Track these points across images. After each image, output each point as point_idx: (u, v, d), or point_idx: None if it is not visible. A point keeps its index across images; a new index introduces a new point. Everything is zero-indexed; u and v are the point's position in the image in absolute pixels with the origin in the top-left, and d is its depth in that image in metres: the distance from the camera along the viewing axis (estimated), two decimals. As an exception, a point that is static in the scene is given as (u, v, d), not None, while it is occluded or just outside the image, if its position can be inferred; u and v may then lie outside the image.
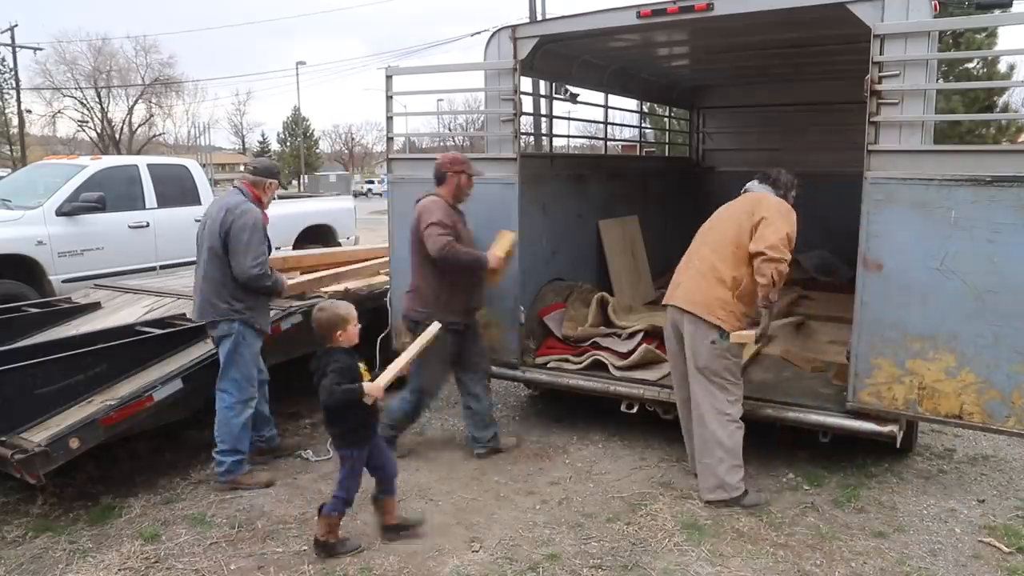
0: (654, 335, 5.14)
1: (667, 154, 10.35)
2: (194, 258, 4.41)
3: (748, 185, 4.30)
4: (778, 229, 3.83)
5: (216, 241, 4.11)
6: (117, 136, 47.05)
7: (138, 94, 47.45)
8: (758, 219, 3.90)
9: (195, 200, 8.86)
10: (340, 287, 5.77)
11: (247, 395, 4.25)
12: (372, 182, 54.11)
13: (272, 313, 5.07)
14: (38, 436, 3.72)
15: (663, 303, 4.14)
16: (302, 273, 5.79)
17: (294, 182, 54.24)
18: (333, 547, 3.49)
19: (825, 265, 7.74)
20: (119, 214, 8.03)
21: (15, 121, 40.04)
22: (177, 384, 4.25)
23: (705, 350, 3.90)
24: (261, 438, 4.61)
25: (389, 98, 5.22)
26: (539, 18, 21.65)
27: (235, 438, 4.20)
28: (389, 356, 5.71)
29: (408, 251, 4.56)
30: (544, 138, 8.00)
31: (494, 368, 5.17)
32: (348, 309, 3.45)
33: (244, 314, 4.18)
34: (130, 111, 47.68)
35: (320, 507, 3.51)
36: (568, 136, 9.73)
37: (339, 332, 3.41)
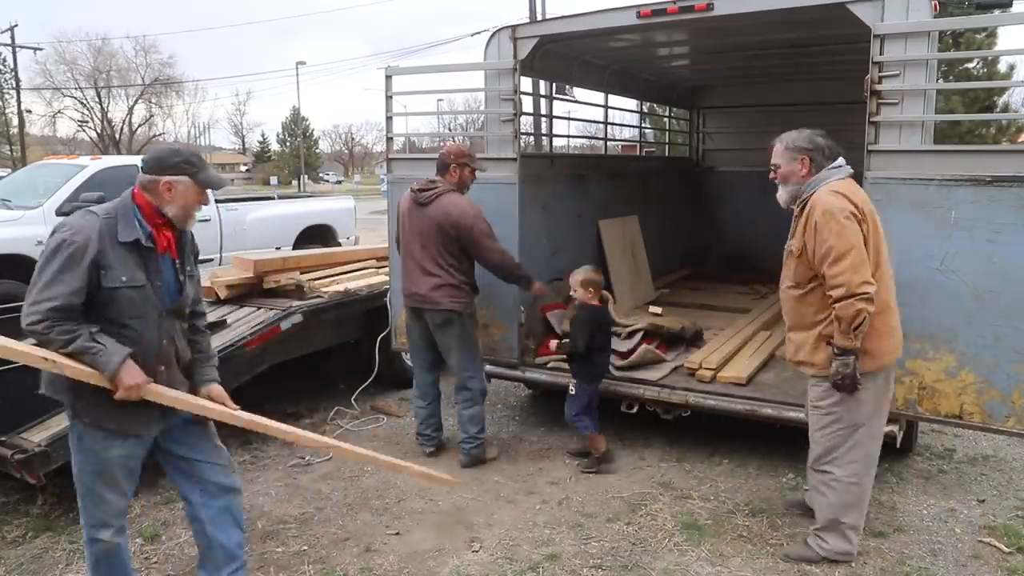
0: (654, 335, 5.15)
1: (667, 154, 10.35)
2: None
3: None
4: None
5: None
6: (117, 136, 47.06)
7: (138, 94, 47.49)
8: None
9: (195, 200, 8.85)
10: (340, 288, 5.77)
11: None
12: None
13: (272, 313, 5.09)
14: (38, 436, 3.72)
15: (892, 362, 3.36)
16: (301, 273, 5.79)
17: (294, 182, 54.23)
18: (608, 455, 4.42)
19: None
20: (119, 214, 8.01)
21: (15, 121, 40.06)
22: (177, 384, 4.24)
23: None
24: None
25: (389, 98, 5.21)
26: (539, 18, 21.65)
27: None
28: (389, 356, 5.73)
29: (418, 243, 4.44)
30: (544, 138, 7.99)
31: (494, 368, 5.17)
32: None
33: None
34: (130, 111, 47.73)
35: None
36: (568, 136, 9.73)
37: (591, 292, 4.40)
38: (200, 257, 3.02)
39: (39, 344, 2.49)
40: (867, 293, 2.96)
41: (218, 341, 4.67)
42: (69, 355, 2.42)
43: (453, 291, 4.39)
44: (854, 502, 3.29)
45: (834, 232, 2.99)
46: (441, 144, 6.34)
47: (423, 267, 4.39)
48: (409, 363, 6.19)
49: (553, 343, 4.64)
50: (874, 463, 3.33)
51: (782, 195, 3.35)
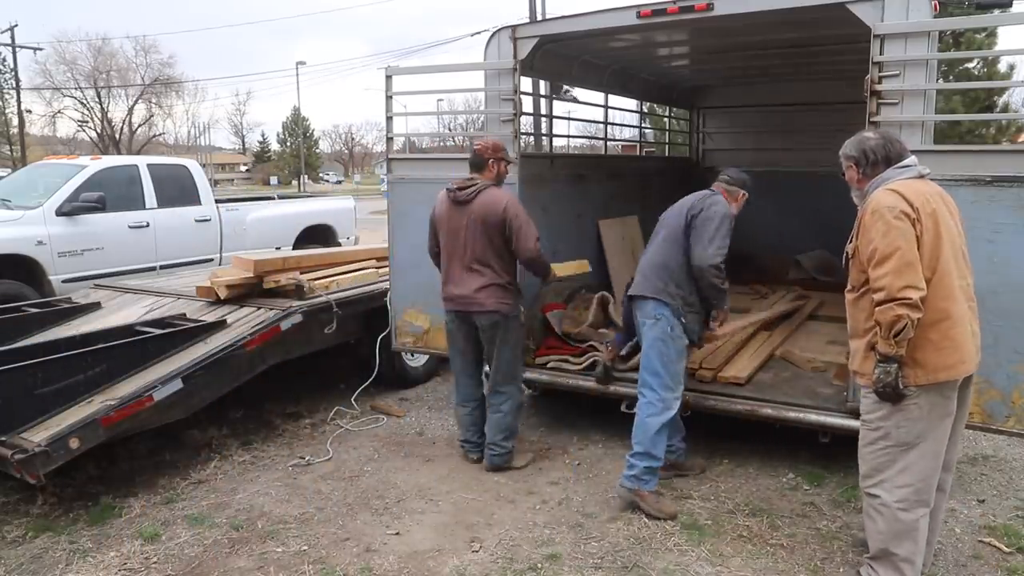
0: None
1: (667, 154, 10.35)
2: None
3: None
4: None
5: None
6: (117, 136, 47.05)
7: (138, 94, 47.48)
8: None
9: (195, 200, 8.86)
10: (339, 288, 5.77)
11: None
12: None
13: (271, 313, 5.08)
14: (38, 436, 3.72)
15: (963, 372, 2.93)
16: (302, 273, 5.79)
17: (294, 182, 54.25)
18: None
19: (825, 265, 7.74)
20: (119, 214, 8.03)
21: (15, 121, 40.06)
22: (177, 384, 4.25)
23: None
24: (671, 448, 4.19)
25: (389, 98, 5.22)
26: (539, 18, 21.65)
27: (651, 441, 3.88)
28: (389, 355, 5.73)
29: (460, 243, 4.31)
30: (544, 138, 7.99)
31: (494, 368, 5.17)
32: None
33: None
34: (130, 111, 47.73)
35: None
36: (568, 136, 9.73)
37: None
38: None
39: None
40: (909, 299, 2.71)
41: (218, 341, 4.68)
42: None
43: (499, 292, 4.29)
44: (906, 531, 2.95)
45: (880, 232, 2.80)
46: (441, 144, 6.29)
47: (467, 267, 4.28)
48: (411, 363, 6.21)
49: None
50: (929, 491, 2.96)
51: (854, 198, 3.21)
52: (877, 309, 2.79)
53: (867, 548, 3.17)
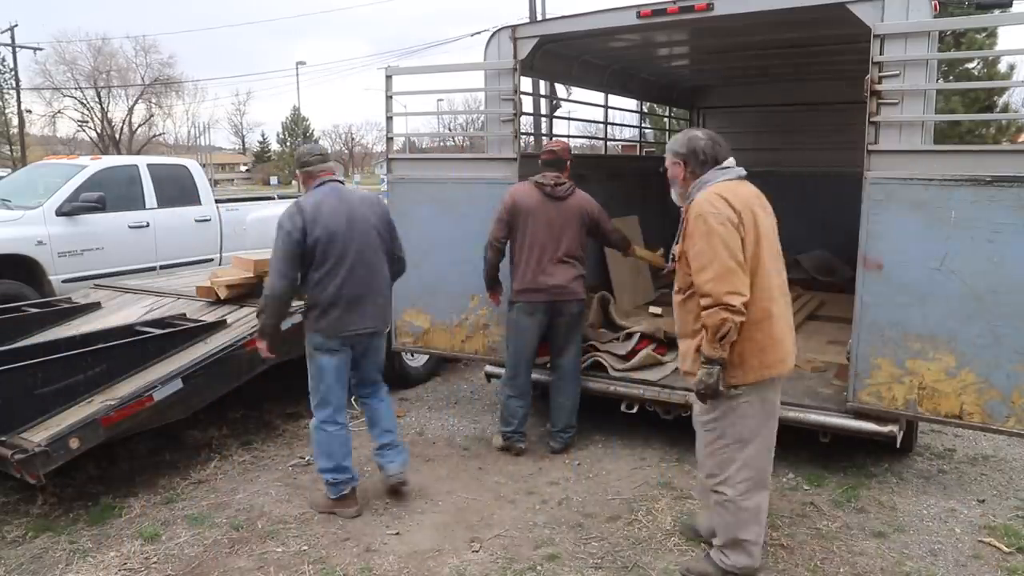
0: (652, 337, 5.15)
1: (667, 154, 10.34)
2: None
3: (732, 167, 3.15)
4: None
5: (384, 235, 3.93)
6: (117, 136, 47.04)
7: (138, 94, 47.47)
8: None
9: (195, 200, 8.86)
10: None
11: None
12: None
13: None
14: (38, 436, 3.72)
15: (786, 369, 3.05)
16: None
17: (294, 182, 54.14)
18: None
19: (824, 265, 7.75)
20: (119, 214, 8.03)
21: (15, 121, 40.05)
22: (177, 384, 4.25)
23: None
24: None
25: (389, 98, 5.22)
26: (539, 18, 21.65)
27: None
28: (390, 355, 5.72)
29: (552, 236, 4.48)
30: (544, 138, 8.00)
31: (494, 368, 5.18)
32: None
33: None
34: (130, 111, 47.71)
35: None
36: (568, 136, 9.73)
37: None
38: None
39: None
40: (732, 305, 2.77)
41: (218, 341, 4.67)
42: None
43: (583, 281, 4.64)
44: (751, 519, 3.12)
45: (703, 236, 2.83)
46: (441, 144, 6.28)
47: (559, 258, 4.49)
48: (411, 363, 6.20)
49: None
50: (765, 478, 3.15)
51: (673, 196, 3.22)
52: (703, 313, 2.83)
53: (699, 534, 3.52)
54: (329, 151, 4.37)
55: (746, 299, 2.80)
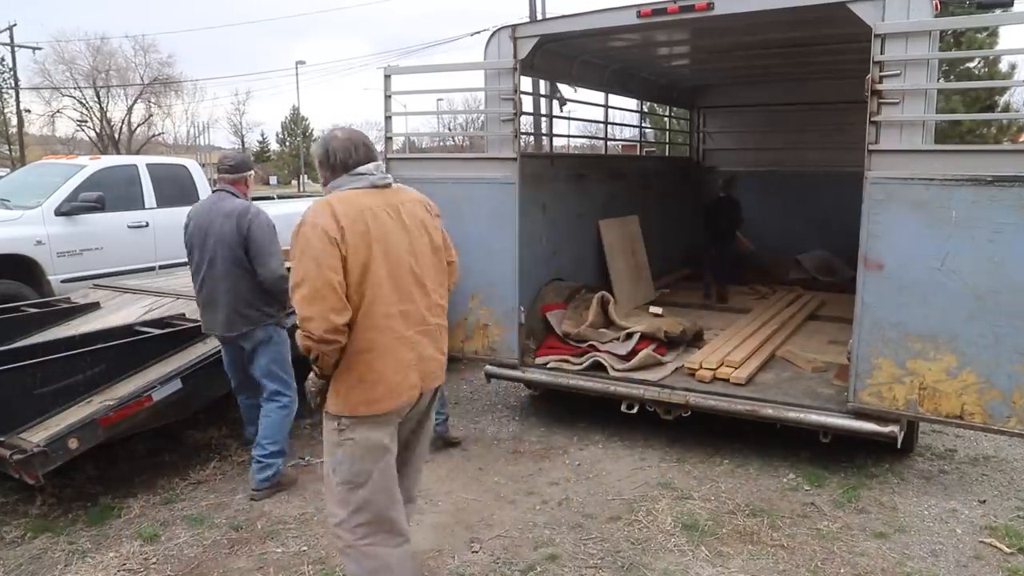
0: (653, 337, 5.14)
1: (667, 154, 10.35)
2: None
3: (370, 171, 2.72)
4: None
5: (236, 249, 4.04)
6: (116, 136, 46.99)
7: (137, 94, 47.42)
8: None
9: (195, 200, 8.80)
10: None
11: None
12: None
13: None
14: (37, 436, 3.71)
15: (393, 406, 2.62)
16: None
17: (293, 182, 54.19)
18: None
19: (825, 265, 7.74)
20: (118, 214, 8.02)
21: (14, 121, 40.01)
22: (176, 384, 4.24)
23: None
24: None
25: (388, 98, 5.21)
26: (539, 18, 21.63)
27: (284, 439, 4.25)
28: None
29: None
30: (544, 138, 8.00)
31: (494, 368, 5.17)
32: None
33: (276, 316, 4.20)
34: (129, 111, 47.63)
35: None
36: (568, 136, 9.75)
37: None
38: None
39: None
40: (311, 333, 2.44)
41: (217, 341, 4.66)
42: None
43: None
44: (379, 568, 2.69)
45: (299, 251, 2.49)
46: (441, 144, 6.31)
47: None
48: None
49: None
50: (393, 524, 2.71)
51: None
52: (297, 334, 2.57)
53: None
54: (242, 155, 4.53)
55: (333, 325, 2.44)
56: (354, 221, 2.51)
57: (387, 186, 2.69)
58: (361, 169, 2.66)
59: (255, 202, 4.45)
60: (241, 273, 4.06)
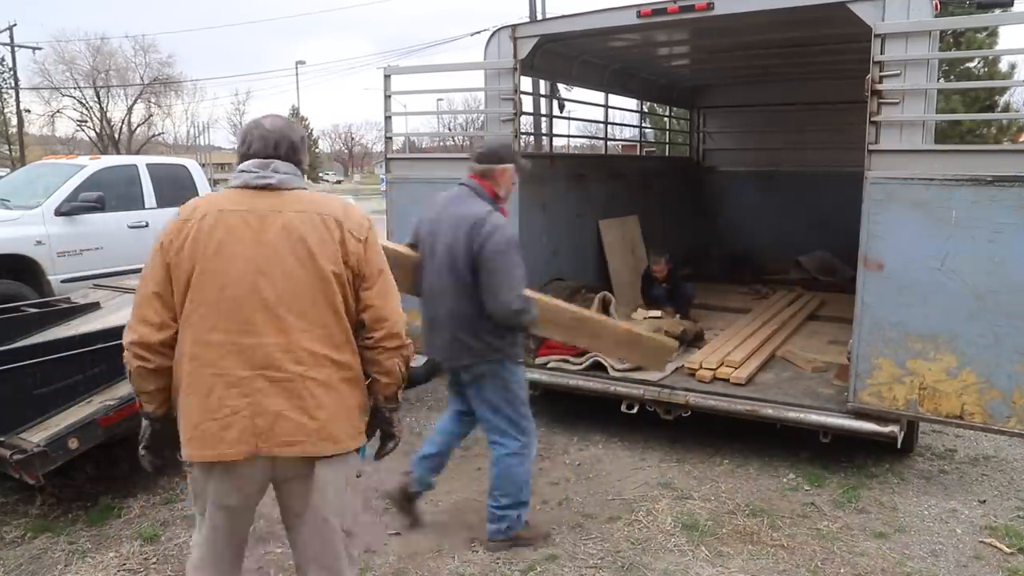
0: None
1: (667, 154, 10.35)
2: None
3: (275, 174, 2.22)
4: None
5: (464, 267, 3.23)
6: (116, 136, 46.98)
7: (137, 94, 47.43)
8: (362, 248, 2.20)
9: (194, 200, 8.85)
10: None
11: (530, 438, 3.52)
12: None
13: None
14: (37, 436, 3.71)
15: (202, 458, 2.20)
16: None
17: (294, 182, 54.06)
18: None
19: (825, 265, 7.74)
20: (118, 214, 8.02)
21: (14, 121, 40.01)
22: (176, 384, 4.23)
23: (351, 492, 2.40)
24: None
25: (388, 97, 5.21)
26: (539, 18, 21.63)
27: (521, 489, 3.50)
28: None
29: None
30: (544, 138, 7.99)
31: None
32: None
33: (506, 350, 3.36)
34: (129, 111, 47.64)
35: None
36: (568, 136, 9.75)
37: None
38: None
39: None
40: (129, 340, 2.20)
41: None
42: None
43: None
44: None
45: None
46: (441, 144, 6.30)
47: None
48: (412, 364, 6.17)
49: None
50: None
51: None
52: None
53: None
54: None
55: (137, 338, 2.17)
56: (188, 222, 2.14)
57: (266, 188, 2.17)
58: (243, 165, 2.22)
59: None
60: (468, 295, 3.25)
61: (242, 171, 2.21)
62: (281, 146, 2.22)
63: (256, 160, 2.20)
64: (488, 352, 3.30)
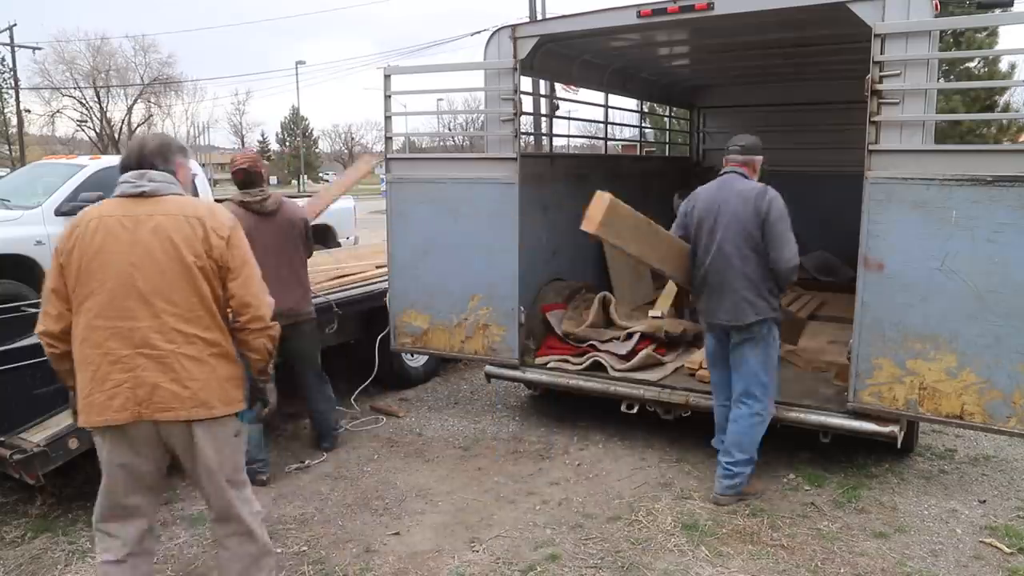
0: (653, 337, 5.14)
1: (667, 154, 10.35)
2: None
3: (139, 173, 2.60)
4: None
5: (753, 231, 3.79)
6: (116, 136, 46.99)
7: (137, 94, 47.44)
8: (225, 236, 2.55)
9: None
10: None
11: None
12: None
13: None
14: (37, 436, 3.71)
15: (95, 423, 2.52)
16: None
17: (294, 182, 54.23)
18: None
19: (825, 265, 7.74)
20: (118, 214, 8.01)
21: (14, 121, 40.00)
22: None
23: (230, 449, 2.65)
24: None
25: (388, 98, 5.20)
26: (539, 18, 21.63)
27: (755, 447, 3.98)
28: (389, 356, 5.73)
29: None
30: (544, 138, 7.99)
31: (494, 368, 5.17)
32: None
33: (778, 312, 3.96)
34: (129, 111, 47.65)
35: None
36: (568, 136, 9.74)
37: None
38: None
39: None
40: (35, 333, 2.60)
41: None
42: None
43: (307, 295, 4.70)
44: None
45: None
46: (441, 144, 6.30)
47: (283, 278, 4.24)
48: (411, 364, 6.19)
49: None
50: (106, 530, 2.66)
51: None
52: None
53: None
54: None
55: (44, 329, 2.54)
56: (77, 227, 2.54)
57: (140, 195, 2.52)
58: (122, 177, 2.58)
59: None
60: (755, 258, 3.81)
61: (121, 182, 2.56)
62: (148, 157, 2.57)
63: (133, 172, 2.56)
64: (767, 311, 3.86)
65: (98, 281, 2.45)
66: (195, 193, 4.23)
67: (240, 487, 2.71)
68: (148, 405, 2.45)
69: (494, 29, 4.96)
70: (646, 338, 5.09)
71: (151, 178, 2.54)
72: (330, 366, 6.10)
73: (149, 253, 2.46)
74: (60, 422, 3.83)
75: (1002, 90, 15.80)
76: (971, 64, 14.93)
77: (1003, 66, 15.47)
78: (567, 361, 5.05)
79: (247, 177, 4.40)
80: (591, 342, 5.08)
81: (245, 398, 2.67)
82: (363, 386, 5.75)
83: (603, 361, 4.92)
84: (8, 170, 20.56)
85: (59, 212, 7.53)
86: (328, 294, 5.53)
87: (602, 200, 3.78)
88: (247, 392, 2.69)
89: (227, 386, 2.57)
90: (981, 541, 3.60)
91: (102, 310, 2.45)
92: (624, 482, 4.28)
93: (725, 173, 4.04)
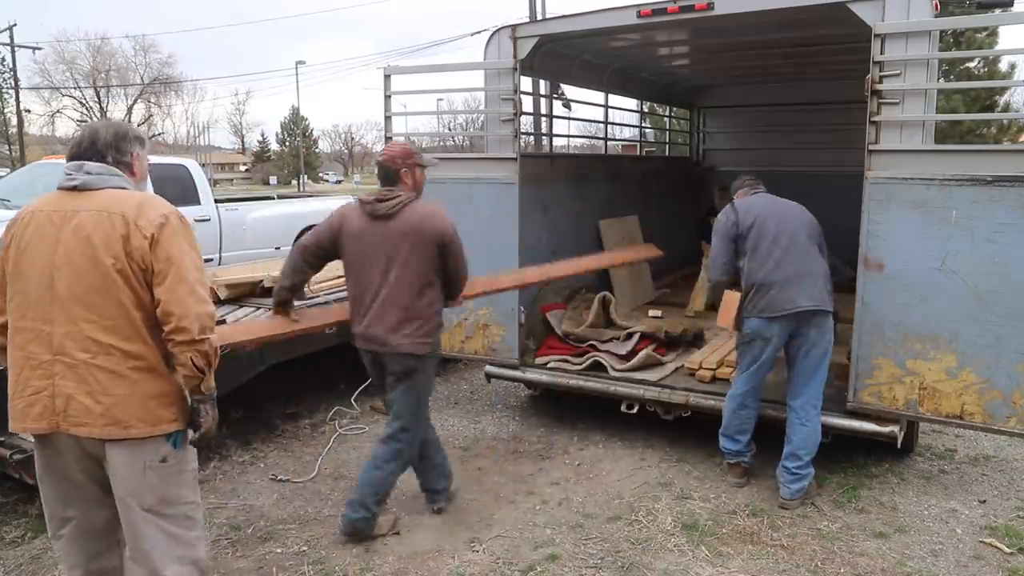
0: (653, 337, 5.14)
1: (667, 154, 10.35)
2: None
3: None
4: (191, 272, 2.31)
5: (814, 233, 4.07)
6: (117, 136, 47.01)
7: (137, 94, 47.48)
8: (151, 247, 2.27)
9: (194, 200, 8.83)
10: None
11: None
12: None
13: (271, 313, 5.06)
14: (37, 436, 3.70)
15: (18, 428, 2.37)
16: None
17: (293, 182, 54.25)
18: None
19: (825, 265, 7.74)
20: (118, 214, 8.01)
21: (14, 121, 40.04)
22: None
23: (155, 476, 2.36)
24: None
25: (388, 98, 5.21)
26: (539, 18, 21.62)
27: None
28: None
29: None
30: (544, 138, 7.99)
31: (494, 368, 5.17)
32: None
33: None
34: (129, 111, 47.71)
35: None
36: (568, 136, 9.75)
37: None
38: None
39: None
40: None
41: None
42: None
43: (423, 328, 3.56)
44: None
45: None
46: (441, 144, 6.31)
47: (384, 297, 3.50)
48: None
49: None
50: (54, 530, 2.49)
51: None
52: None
53: None
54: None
55: None
56: (15, 223, 2.36)
57: (73, 189, 2.31)
58: (65, 167, 2.38)
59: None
60: (817, 259, 4.00)
61: (64, 173, 2.36)
62: (92, 148, 2.36)
63: (72, 163, 2.36)
64: (831, 302, 3.97)
65: (24, 280, 2.30)
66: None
67: (172, 523, 2.37)
68: (65, 417, 2.25)
69: (494, 29, 4.96)
70: (646, 338, 5.09)
71: (88, 170, 2.32)
72: (330, 366, 6.13)
73: (68, 254, 2.25)
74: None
75: (1002, 90, 15.80)
76: (971, 64, 14.93)
77: (1003, 66, 15.48)
78: (567, 361, 5.05)
79: (381, 172, 3.59)
80: (591, 342, 5.08)
81: (183, 418, 2.42)
82: (363, 386, 5.74)
83: (603, 361, 4.92)
84: (8, 170, 20.57)
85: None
86: (328, 294, 5.53)
87: (733, 299, 4.13)
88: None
89: (152, 404, 2.30)
90: (981, 541, 3.60)
91: (26, 311, 2.29)
92: (624, 482, 4.29)
93: (756, 193, 4.28)
